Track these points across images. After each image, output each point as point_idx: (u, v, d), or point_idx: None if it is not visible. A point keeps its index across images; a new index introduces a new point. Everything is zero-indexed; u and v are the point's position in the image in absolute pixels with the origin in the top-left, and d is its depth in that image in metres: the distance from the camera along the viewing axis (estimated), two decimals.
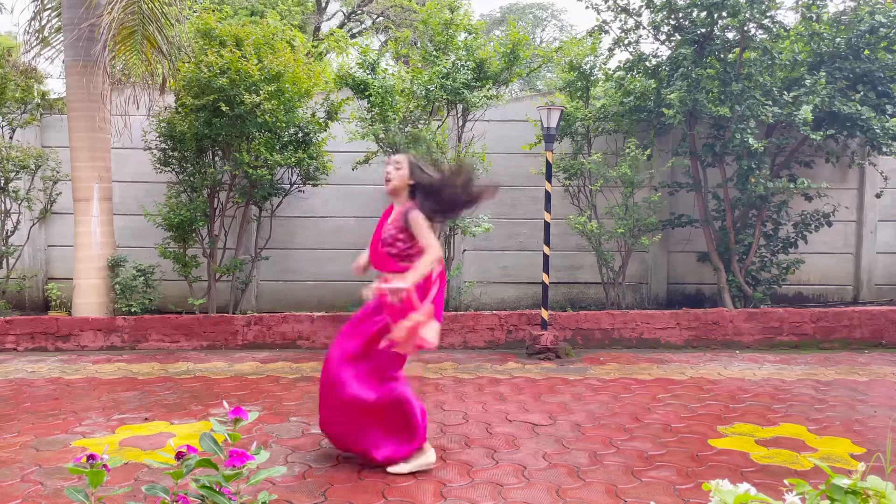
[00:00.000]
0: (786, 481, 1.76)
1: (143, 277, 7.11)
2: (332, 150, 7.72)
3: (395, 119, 7.00)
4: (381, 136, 7.07)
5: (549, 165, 6.39)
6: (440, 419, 4.51)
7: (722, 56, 7.07)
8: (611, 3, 7.38)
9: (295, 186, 7.68)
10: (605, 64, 7.73)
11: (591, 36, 7.60)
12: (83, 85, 6.87)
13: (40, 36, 7.85)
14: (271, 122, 6.88)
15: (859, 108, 6.79)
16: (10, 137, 7.91)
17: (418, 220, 3.54)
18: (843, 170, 8.22)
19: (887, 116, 6.96)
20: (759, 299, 7.45)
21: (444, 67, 7.02)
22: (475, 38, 7.44)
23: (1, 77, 7.61)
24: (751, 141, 6.71)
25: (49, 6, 7.79)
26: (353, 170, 7.78)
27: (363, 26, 18.90)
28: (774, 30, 6.90)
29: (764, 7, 6.72)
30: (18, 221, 7.85)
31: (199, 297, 7.32)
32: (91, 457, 1.96)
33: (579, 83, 7.80)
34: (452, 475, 3.55)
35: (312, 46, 12.63)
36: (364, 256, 3.82)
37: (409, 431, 3.59)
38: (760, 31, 6.95)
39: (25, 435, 4.21)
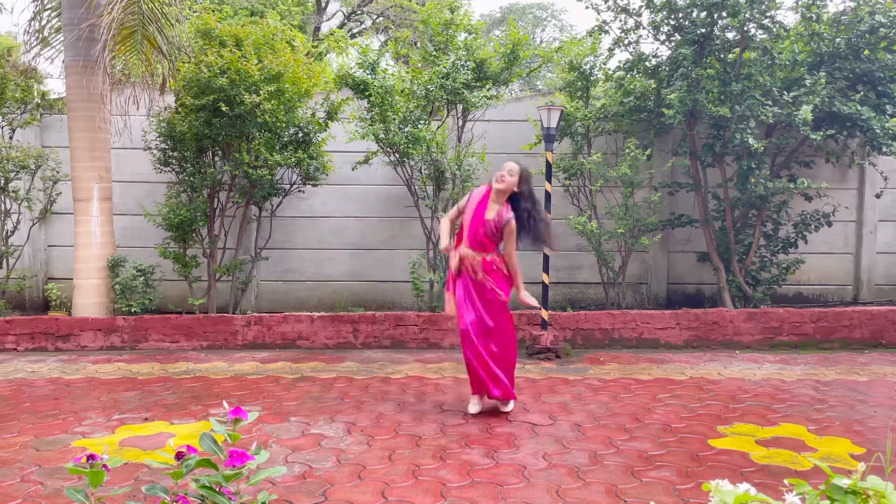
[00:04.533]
0: (786, 481, 1.76)
1: (143, 277, 7.11)
2: (332, 150, 7.72)
3: (394, 119, 6.99)
4: (381, 136, 7.07)
5: (549, 165, 6.39)
6: (440, 419, 4.51)
7: (722, 56, 7.07)
8: (611, 3, 7.38)
9: (295, 186, 7.68)
10: (605, 64, 7.73)
11: (591, 36, 7.60)
12: (83, 85, 6.87)
13: (40, 36, 7.85)
14: (271, 122, 6.88)
15: (859, 108, 6.78)
16: (10, 137, 7.91)
17: (512, 231, 4.48)
18: (843, 170, 8.22)
19: (887, 116, 6.96)
20: (759, 299, 7.45)
21: (444, 67, 7.02)
22: (475, 38, 7.44)
23: (1, 77, 7.61)
24: (751, 141, 6.71)
25: (49, 6, 7.79)
26: (353, 170, 7.79)
27: (363, 26, 18.90)
28: (774, 30, 6.90)
29: (764, 7, 6.72)
30: (18, 221, 7.85)
31: (199, 298, 7.32)
32: (91, 457, 1.96)
33: (579, 83, 7.80)
34: (452, 475, 3.55)
35: (312, 46, 12.63)
36: (446, 238, 4.69)
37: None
38: (760, 31, 6.95)
39: (25, 435, 4.21)
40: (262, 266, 8.20)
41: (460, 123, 7.61)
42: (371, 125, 7.12)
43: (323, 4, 17.37)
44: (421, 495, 3.30)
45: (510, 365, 4.63)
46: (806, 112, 6.47)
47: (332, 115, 7.49)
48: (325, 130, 7.49)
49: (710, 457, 3.83)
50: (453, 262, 4.60)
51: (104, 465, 1.96)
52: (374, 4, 17.25)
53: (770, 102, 6.89)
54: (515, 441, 4.07)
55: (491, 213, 4.50)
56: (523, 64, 7.45)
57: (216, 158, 7.43)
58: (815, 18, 6.96)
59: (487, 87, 7.21)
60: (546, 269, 6.50)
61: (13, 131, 7.95)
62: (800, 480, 1.62)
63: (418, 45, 9.20)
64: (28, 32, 7.75)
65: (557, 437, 4.14)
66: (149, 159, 7.47)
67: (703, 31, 6.96)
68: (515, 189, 4.55)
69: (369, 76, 7.10)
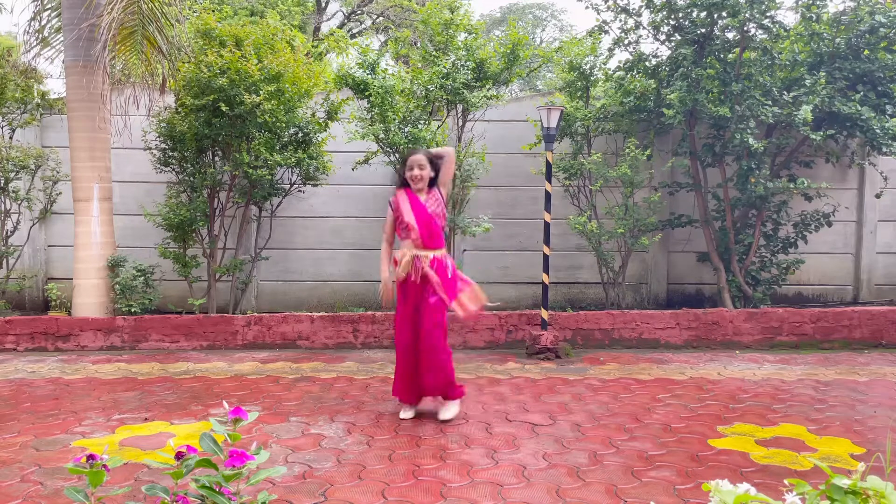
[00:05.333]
0: (786, 481, 1.76)
1: (143, 277, 7.11)
2: (332, 150, 7.72)
3: (394, 119, 6.99)
4: (381, 136, 7.07)
5: (549, 165, 6.39)
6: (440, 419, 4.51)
7: (722, 56, 7.06)
8: (611, 3, 7.38)
9: (295, 186, 7.68)
10: (605, 64, 7.73)
11: (590, 36, 7.60)
12: (83, 85, 6.87)
13: (40, 36, 7.85)
14: (271, 122, 6.88)
15: (859, 108, 6.78)
16: (10, 137, 7.91)
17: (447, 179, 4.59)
18: (843, 170, 8.23)
19: (887, 116, 6.96)
20: (759, 299, 7.45)
21: (444, 67, 7.02)
22: (475, 38, 7.44)
23: (1, 77, 7.61)
24: (751, 141, 6.71)
25: (49, 6, 7.79)
26: (353, 170, 7.79)
27: (363, 26, 18.91)
28: (774, 30, 6.90)
29: (764, 7, 6.72)
30: (18, 221, 7.85)
31: (199, 298, 7.32)
32: (91, 457, 1.96)
33: (579, 83, 7.80)
34: (452, 475, 3.55)
35: (312, 46, 12.63)
36: (387, 277, 4.63)
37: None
38: (760, 32, 6.95)
39: (25, 435, 4.21)
40: (262, 266, 8.21)
41: (460, 123, 7.61)
42: (371, 125, 7.12)
43: (323, 4, 17.37)
44: (421, 495, 3.30)
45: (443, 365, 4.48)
46: (806, 112, 6.47)
47: (332, 115, 7.49)
48: (325, 130, 7.49)
49: (710, 457, 3.83)
50: (400, 269, 4.46)
51: (104, 465, 1.96)
52: (374, 4, 17.26)
53: (770, 102, 6.89)
54: (515, 441, 4.07)
55: (430, 204, 4.48)
56: (523, 64, 7.45)
57: (216, 158, 7.43)
58: (815, 18, 6.96)
59: (487, 87, 7.21)
60: (546, 269, 6.50)
61: (13, 131, 7.95)
62: (800, 480, 1.62)
63: (418, 45, 9.20)
64: (28, 32, 7.75)
65: (557, 437, 4.14)
66: (149, 159, 7.47)
67: (703, 31, 6.96)
68: (433, 174, 4.53)
69: (369, 76, 7.10)
